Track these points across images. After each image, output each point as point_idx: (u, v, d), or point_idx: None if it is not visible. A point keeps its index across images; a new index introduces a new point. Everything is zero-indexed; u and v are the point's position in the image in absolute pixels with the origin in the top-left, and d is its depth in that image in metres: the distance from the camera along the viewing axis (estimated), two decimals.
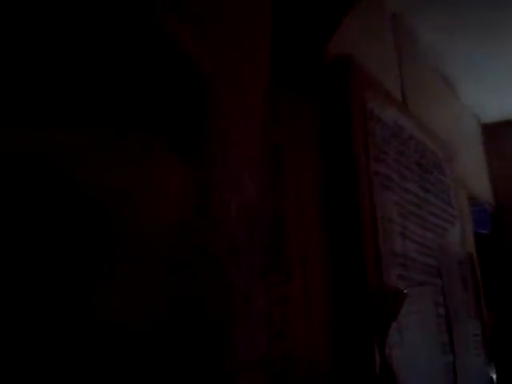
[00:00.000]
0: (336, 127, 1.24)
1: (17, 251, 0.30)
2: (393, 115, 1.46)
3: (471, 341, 1.66)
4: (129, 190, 0.36)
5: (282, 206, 1.09)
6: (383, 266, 1.23)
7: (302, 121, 1.20)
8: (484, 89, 2.40)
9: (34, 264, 0.31)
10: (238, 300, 0.45)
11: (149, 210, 0.37)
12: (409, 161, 1.50)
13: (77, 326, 0.32)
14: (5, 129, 0.31)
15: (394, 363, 1.16)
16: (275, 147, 1.12)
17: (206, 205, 0.41)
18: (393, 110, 1.48)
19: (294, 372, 1.03)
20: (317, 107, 1.23)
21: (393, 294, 1.25)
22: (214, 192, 0.42)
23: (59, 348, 0.31)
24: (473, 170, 2.37)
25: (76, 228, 0.32)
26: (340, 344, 1.10)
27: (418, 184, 1.54)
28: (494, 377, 1.80)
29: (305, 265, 1.11)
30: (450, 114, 2.25)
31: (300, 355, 1.04)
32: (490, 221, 2.46)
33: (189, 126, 0.40)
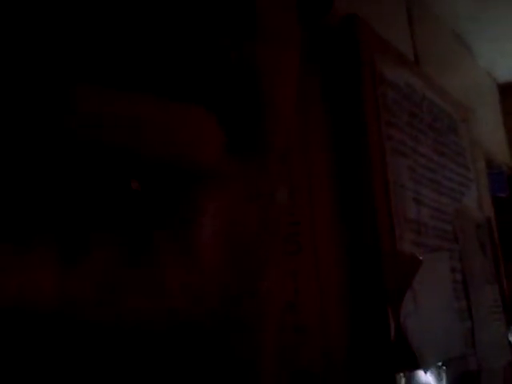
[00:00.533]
0: (345, 90, 1.19)
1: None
2: (404, 76, 1.40)
3: (490, 306, 1.63)
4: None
5: (292, 178, 1.06)
6: (396, 233, 1.20)
7: (309, 84, 1.16)
8: (499, 48, 2.31)
9: None
10: None
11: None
12: (422, 124, 1.45)
13: None
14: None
15: (409, 331, 1.14)
16: None
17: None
18: (404, 70, 1.42)
19: (307, 343, 1.01)
20: (324, 70, 1.18)
21: (407, 260, 1.22)
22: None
23: None
24: (489, 131, 2.30)
25: None
26: (354, 314, 1.08)
27: (432, 147, 1.49)
28: None
29: (315, 234, 1.08)
30: (465, 73, 2.17)
31: (313, 326, 1.02)
32: (507, 184, 2.40)
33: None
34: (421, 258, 1.25)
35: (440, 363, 1.23)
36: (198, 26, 0.36)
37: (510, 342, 1.73)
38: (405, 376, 1.09)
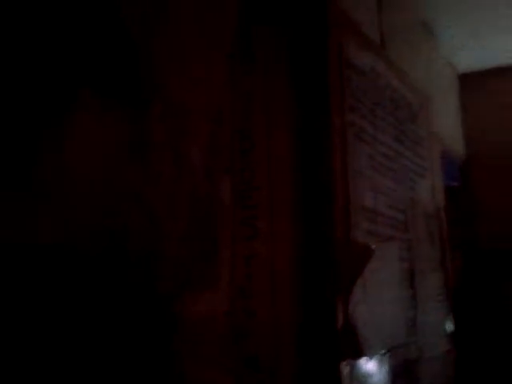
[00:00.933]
0: (311, 70, 1.15)
1: None
2: (370, 61, 1.38)
3: (434, 295, 1.67)
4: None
5: (251, 159, 1.02)
6: (352, 221, 1.19)
7: (275, 59, 1.11)
8: (463, 39, 2.32)
9: None
10: None
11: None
12: (384, 111, 1.44)
13: None
14: None
15: (358, 319, 1.14)
16: (246, 93, 1.04)
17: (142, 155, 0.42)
18: (370, 54, 1.40)
19: (256, 326, 1.00)
20: (290, 48, 1.14)
21: (360, 249, 1.22)
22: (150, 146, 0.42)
23: None
24: (447, 122, 2.33)
25: None
26: (306, 302, 1.07)
27: (393, 136, 1.48)
28: (452, 328, 1.84)
29: (273, 218, 1.06)
30: (427, 61, 2.17)
31: (264, 312, 1.01)
32: (459, 173, 2.45)
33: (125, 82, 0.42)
34: (373, 247, 1.26)
35: (384, 351, 1.25)
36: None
37: (448, 330, 1.79)
38: (349, 364, 1.09)
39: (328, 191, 1.13)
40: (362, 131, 1.28)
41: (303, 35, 1.16)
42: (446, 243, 1.86)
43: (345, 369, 1.08)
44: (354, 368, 1.11)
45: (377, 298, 1.26)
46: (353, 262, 1.18)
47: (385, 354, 1.25)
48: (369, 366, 1.17)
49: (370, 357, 1.17)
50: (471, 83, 2.63)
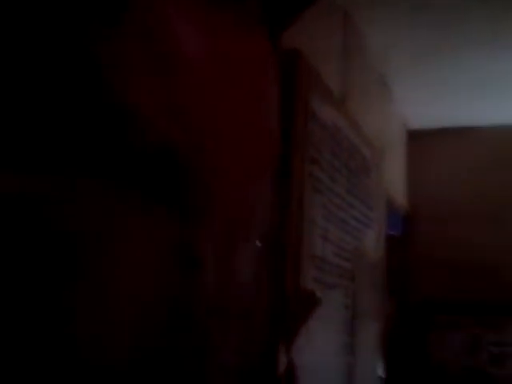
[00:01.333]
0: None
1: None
2: (332, 116, 1.44)
3: (372, 342, 1.72)
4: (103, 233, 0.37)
5: None
6: (302, 269, 1.23)
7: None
8: (415, 96, 2.46)
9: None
10: None
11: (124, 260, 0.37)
12: (340, 163, 1.50)
13: None
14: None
15: (299, 367, 1.16)
16: None
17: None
18: (332, 109, 1.46)
19: None
20: None
21: (307, 297, 1.25)
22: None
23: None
24: (394, 175, 2.44)
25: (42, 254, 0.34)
26: (249, 348, 1.08)
27: (346, 187, 1.54)
28: (384, 376, 1.89)
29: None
30: (382, 115, 2.28)
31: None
32: (401, 224, 2.56)
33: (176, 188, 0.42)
34: (320, 295, 1.29)
35: None
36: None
37: (381, 377, 1.84)
38: None
39: (282, 242, 1.15)
40: (319, 182, 1.32)
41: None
42: (384, 292, 1.93)
43: None
44: None
45: (319, 345, 1.29)
46: (300, 309, 1.21)
47: None
48: None
49: None
50: (418, 140, 2.78)
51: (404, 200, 2.68)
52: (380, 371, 1.88)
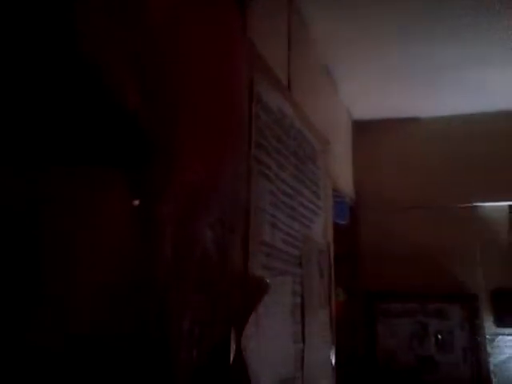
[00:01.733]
0: None
1: None
2: (278, 101, 1.43)
3: (321, 330, 1.73)
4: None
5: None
6: (250, 256, 1.21)
7: None
8: (360, 87, 2.49)
9: None
10: None
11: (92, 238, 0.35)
12: (287, 150, 1.49)
13: None
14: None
15: (249, 355, 1.15)
16: None
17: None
18: (278, 95, 1.45)
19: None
20: None
21: (256, 284, 1.23)
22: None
23: None
24: (341, 164, 2.46)
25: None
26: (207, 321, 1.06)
27: (293, 174, 1.54)
28: (334, 363, 1.91)
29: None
30: (328, 106, 2.30)
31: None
32: (348, 213, 2.59)
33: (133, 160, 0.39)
34: (269, 281, 1.28)
35: None
36: None
37: (331, 364, 1.85)
38: None
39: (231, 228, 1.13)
40: (266, 168, 1.31)
41: None
42: (332, 278, 1.94)
43: None
44: None
45: (269, 333, 1.28)
46: (248, 296, 1.19)
47: None
48: None
49: None
50: (364, 130, 2.82)
51: (351, 190, 2.71)
52: (331, 359, 1.89)
